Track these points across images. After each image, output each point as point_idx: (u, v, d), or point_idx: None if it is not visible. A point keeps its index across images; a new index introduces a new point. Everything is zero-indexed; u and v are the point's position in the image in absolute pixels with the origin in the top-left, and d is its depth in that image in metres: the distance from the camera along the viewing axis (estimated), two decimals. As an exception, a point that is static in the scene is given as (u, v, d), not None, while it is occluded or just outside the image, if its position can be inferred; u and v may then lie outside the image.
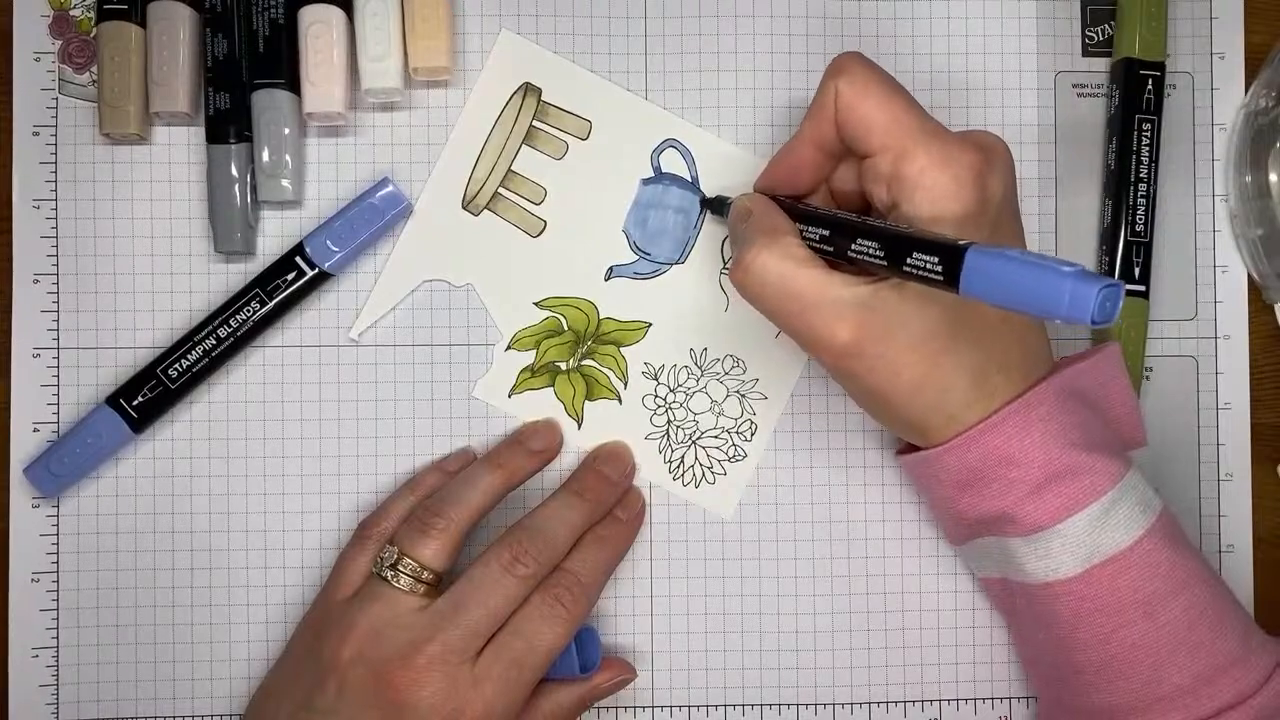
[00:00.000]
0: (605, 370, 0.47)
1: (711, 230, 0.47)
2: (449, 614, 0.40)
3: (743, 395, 0.47)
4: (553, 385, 0.47)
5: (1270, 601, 0.48)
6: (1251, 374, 0.48)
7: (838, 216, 0.38)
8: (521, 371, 0.47)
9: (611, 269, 0.47)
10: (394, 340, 0.47)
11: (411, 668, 0.39)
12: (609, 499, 0.45)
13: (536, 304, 0.47)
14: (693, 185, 0.47)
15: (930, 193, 0.37)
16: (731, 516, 0.47)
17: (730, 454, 0.47)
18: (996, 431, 0.38)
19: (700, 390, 0.47)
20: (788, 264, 0.37)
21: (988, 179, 0.37)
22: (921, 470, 0.41)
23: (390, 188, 0.45)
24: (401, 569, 0.41)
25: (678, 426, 0.47)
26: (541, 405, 0.47)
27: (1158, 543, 0.39)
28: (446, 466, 0.46)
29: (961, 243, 0.32)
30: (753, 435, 0.47)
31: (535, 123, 0.47)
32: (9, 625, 0.46)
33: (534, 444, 0.45)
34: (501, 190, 0.47)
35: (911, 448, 0.42)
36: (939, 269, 0.33)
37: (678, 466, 0.47)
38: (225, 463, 0.46)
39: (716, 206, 0.46)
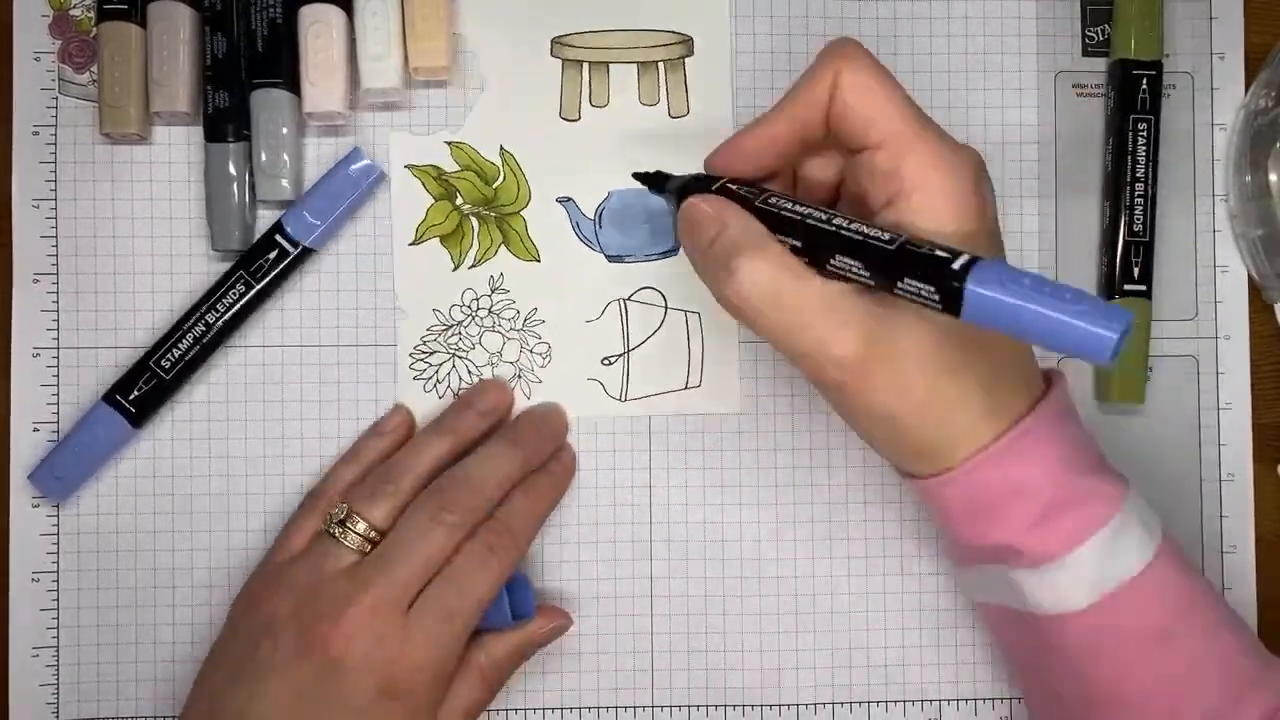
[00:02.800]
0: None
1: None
2: (380, 566, 0.40)
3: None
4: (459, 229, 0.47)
5: (1272, 602, 0.48)
6: (1252, 374, 0.48)
7: (809, 223, 0.35)
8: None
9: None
10: (395, 340, 0.47)
11: (344, 621, 0.39)
12: (541, 451, 0.45)
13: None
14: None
15: (928, 194, 0.35)
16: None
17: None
18: (1003, 458, 0.36)
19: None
20: (784, 276, 0.34)
21: (982, 184, 0.36)
22: (924, 498, 0.39)
23: (364, 160, 0.45)
24: (350, 525, 0.41)
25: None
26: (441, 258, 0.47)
27: (1166, 564, 0.37)
28: (383, 429, 0.46)
29: (956, 266, 0.31)
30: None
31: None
32: (9, 625, 0.46)
33: (481, 404, 0.45)
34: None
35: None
36: (936, 299, 0.31)
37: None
38: (225, 463, 0.46)
39: (654, 183, 0.41)
